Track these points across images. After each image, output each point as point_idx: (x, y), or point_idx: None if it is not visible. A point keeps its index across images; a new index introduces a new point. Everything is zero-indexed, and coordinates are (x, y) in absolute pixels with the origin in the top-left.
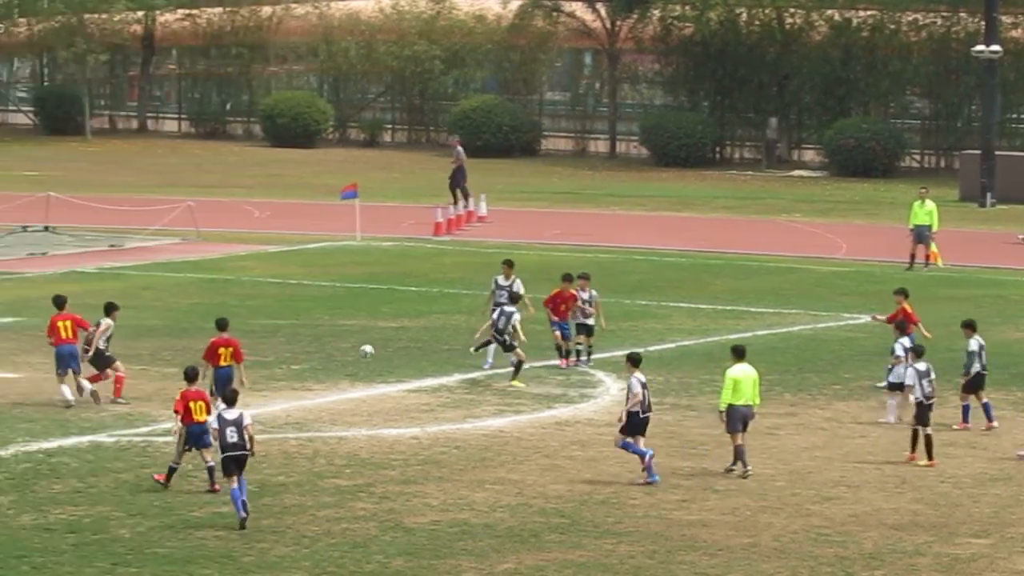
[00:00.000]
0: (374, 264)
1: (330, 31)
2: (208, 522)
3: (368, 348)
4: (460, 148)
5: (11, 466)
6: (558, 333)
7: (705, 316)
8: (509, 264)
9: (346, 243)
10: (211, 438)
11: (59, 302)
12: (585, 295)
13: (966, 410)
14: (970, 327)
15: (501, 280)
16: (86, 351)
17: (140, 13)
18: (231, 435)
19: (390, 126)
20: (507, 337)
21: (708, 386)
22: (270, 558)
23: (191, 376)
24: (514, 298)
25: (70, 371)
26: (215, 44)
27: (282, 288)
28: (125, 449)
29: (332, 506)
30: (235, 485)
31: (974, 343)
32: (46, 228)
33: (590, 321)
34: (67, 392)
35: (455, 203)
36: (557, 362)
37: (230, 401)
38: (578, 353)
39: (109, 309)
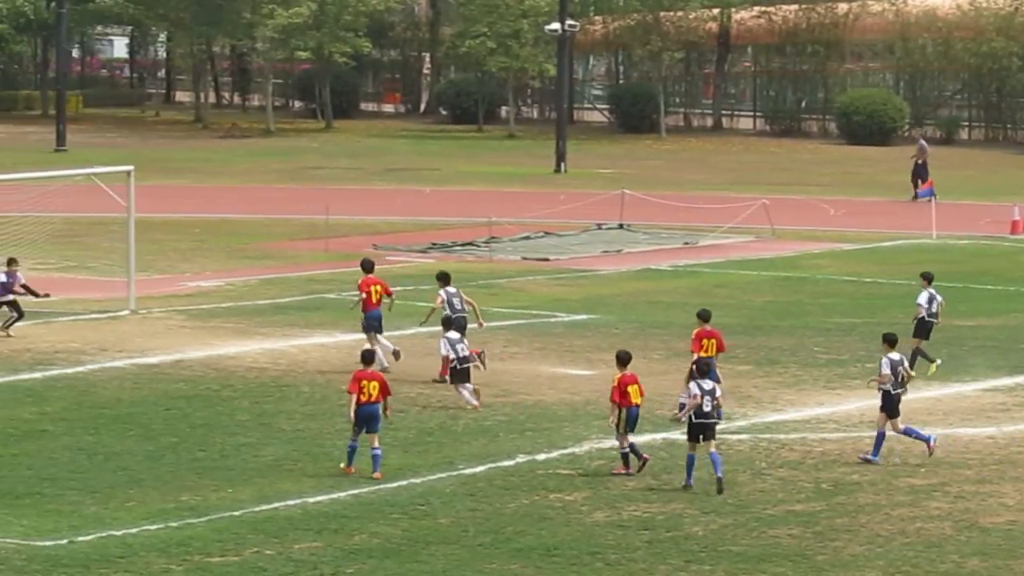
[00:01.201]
0: (950, 262)
1: (906, 28)
2: (782, 520)
3: None
4: (923, 142)
5: (585, 463)
6: None
7: None
8: None
9: (922, 241)
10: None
11: (368, 265)
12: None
13: None
14: None
15: None
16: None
17: (715, 11)
18: (706, 404)
19: (966, 124)
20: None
21: None
22: (844, 557)
23: (624, 360)
24: None
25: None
26: (790, 42)
27: (857, 286)
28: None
29: (906, 505)
30: (712, 450)
31: None
32: (620, 226)
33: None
34: (388, 344)
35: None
36: None
37: (704, 373)
38: None
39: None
